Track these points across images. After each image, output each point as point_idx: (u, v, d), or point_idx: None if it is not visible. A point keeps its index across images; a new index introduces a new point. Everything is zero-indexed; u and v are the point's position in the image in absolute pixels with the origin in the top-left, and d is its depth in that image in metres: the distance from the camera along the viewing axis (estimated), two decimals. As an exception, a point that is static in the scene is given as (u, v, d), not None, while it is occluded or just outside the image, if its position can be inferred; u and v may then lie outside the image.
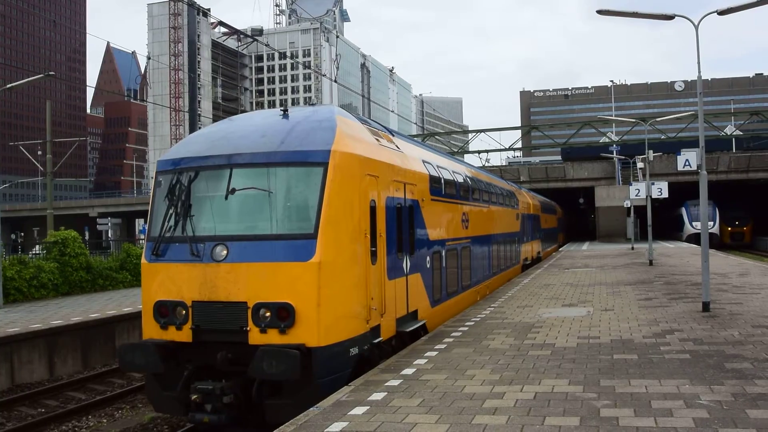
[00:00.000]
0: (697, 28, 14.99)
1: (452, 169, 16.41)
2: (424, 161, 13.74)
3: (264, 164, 9.50)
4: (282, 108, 10.92)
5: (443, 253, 14.39)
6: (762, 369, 8.84)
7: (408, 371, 9.50)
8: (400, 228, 11.42)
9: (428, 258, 13.14)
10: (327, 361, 8.88)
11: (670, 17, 15.42)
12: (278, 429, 7.12)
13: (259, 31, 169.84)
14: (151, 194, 10.38)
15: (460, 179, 16.86)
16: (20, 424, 12.16)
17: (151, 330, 9.59)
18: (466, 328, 13.02)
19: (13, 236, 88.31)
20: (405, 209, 11.80)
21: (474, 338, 11.94)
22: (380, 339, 10.37)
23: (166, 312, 9.47)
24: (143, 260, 9.99)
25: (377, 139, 11.41)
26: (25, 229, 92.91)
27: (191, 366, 9.34)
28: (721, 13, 14.74)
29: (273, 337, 8.76)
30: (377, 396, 8.22)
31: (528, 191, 36.26)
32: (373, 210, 10.22)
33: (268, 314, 8.84)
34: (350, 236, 9.54)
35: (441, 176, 14.57)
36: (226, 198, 9.53)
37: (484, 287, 19.23)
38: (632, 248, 42.40)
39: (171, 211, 9.76)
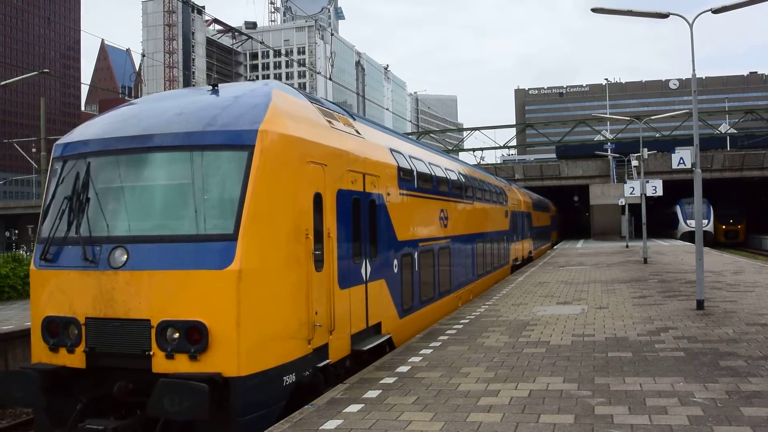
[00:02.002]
0: (691, 26, 15.02)
1: (429, 161, 14.88)
2: (392, 150, 12.12)
3: (175, 147, 7.86)
4: (213, 83, 9.33)
5: (416, 256, 12.89)
6: (756, 367, 8.87)
7: (403, 369, 9.49)
8: (357, 227, 9.92)
9: (396, 261, 11.62)
10: (251, 393, 7.27)
11: (665, 15, 15.44)
12: (272, 426, 7.11)
13: (253, 24, 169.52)
14: (45, 185, 8.85)
15: (439, 173, 15.29)
16: None
17: (39, 352, 7.91)
18: (461, 326, 13.02)
19: (7, 234, 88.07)
20: (364, 205, 10.26)
21: (469, 336, 11.94)
22: (328, 361, 8.75)
23: (56, 330, 7.77)
24: (31, 266, 8.28)
25: (329, 121, 9.69)
26: (19, 226, 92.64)
27: (85, 398, 7.62)
28: (716, 11, 14.77)
29: (182, 364, 7.15)
30: (372, 394, 8.20)
31: (519, 188, 35.05)
32: (318, 205, 8.61)
33: (176, 335, 7.21)
34: (284, 237, 7.93)
35: (413, 168, 12.98)
36: (128, 190, 7.94)
37: (466, 292, 17.75)
38: (627, 246, 42.48)
39: (65, 207, 8.09)
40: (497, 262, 23.12)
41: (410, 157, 13.17)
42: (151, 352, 7.25)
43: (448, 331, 12.47)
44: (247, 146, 7.69)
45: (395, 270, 11.58)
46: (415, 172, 13.01)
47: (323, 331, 8.64)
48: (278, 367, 7.64)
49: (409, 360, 10.07)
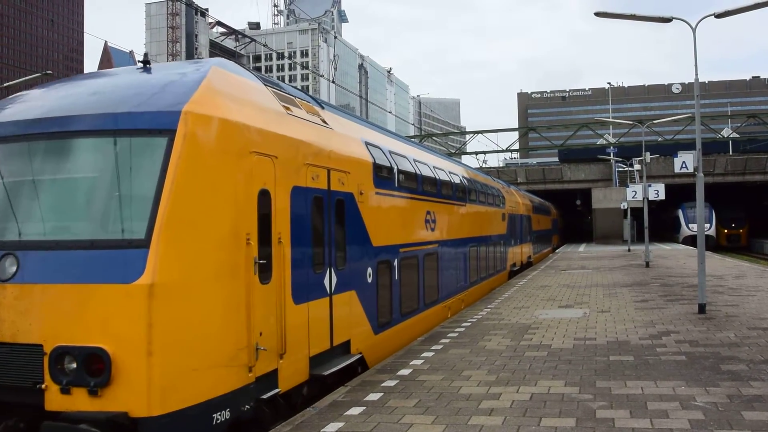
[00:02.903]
0: (694, 30, 15.04)
1: (414, 158, 13.51)
2: (368, 144, 10.76)
3: (79, 133, 6.53)
4: (144, 59, 7.87)
5: (396, 263, 11.49)
6: (757, 371, 8.87)
7: (404, 372, 9.50)
8: (319, 230, 8.61)
9: (370, 270, 10.26)
10: None
11: (668, 20, 15.46)
12: (274, 428, 7.12)
13: (256, 24, 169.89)
14: None
15: (426, 171, 13.93)
16: None
17: None
18: (462, 329, 13.02)
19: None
20: (329, 205, 8.88)
21: (470, 339, 11.94)
22: (276, 391, 7.32)
23: None
24: None
25: (286, 107, 8.37)
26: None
27: None
28: (719, 16, 14.78)
29: (80, 401, 5.78)
30: (373, 396, 8.21)
31: (518, 190, 33.72)
32: (265, 204, 7.27)
33: (73, 364, 5.82)
34: (215, 242, 6.50)
35: (394, 165, 11.65)
36: (22, 185, 6.62)
37: (457, 301, 16.28)
38: (629, 250, 42.43)
39: None
40: (493, 267, 21.68)
41: (391, 152, 11.87)
42: (44, 386, 5.87)
43: (450, 334, 12.47)
44: (166, 131, 6.29)
45: (369, 279, 10.22)
46: (395, 170, 11.70)
47: (270, 355, 7.19)
48: (205, 403, 6.21)
49: (411, 363, 10.08)
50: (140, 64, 7.75)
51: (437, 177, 14.81)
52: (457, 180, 16.99)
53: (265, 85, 8.40)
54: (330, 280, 8.86)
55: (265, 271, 7.16)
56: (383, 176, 11.05)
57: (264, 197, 7.25)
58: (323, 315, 8.65)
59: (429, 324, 13.54)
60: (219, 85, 7.11)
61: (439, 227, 14.59)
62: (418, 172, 13.26)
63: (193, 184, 6.33)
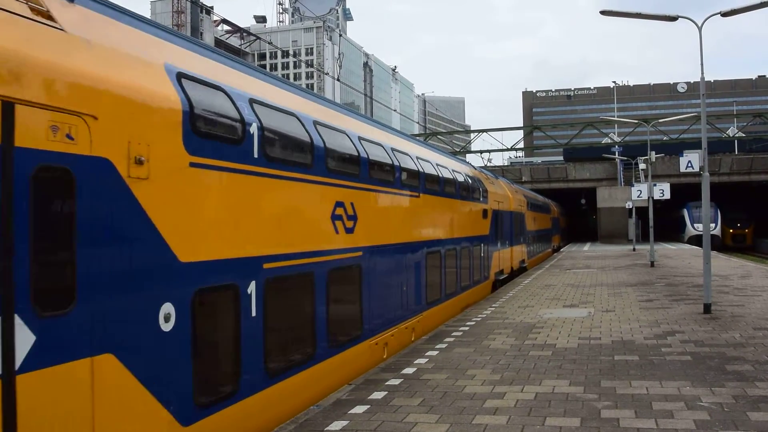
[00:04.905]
0: (700, 29, 15.00)
1: (314, 119, 9.04)
2: (181, 75, 6.27)
3: None
4: None
5: (253, 289, 7.03)
6: (763, 371, 8.84)
7: (408, 370, 9.50)
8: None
9: (169, 309, 5.78)
10: None
11: (674, 18, 15.43)
12: (278, 427, 7.12)
13: (262, 18, 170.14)
14: None
15: (336, 140, 9.49)
16: None
17: None
18: (467, 328, 13.02)
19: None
20: (14, 179, 4.41)
21: (475, 338, 11.94)
22: None
23: None
24: None
25: None
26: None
27: None
28: (725, 14, 14.76)
29: None
30: (377, 395, 8.21)
31: (510, 183, 29.49)
32: None
33: None
34: None
35: (245, 118, 7.06)
36: None
37: (402, 331, 11.84)
38: (634, 249, 42.39)
39: None
40: (468, 279, 17.37)
41: (246, 98, 7.34)
42: None
43: (454, 333, 12.47)
44: None
45: (167, 325, 5.75)
46: (253, 128, 7.13)
47: None
48: None
49: (415, 362, 10.08)
50: None
51: (362, 152, 10.32)
52: (405, 160, 12.54)
53: None
54: (25, 342, 4.38)
55: None
56: (217, 136, 6.60)
57: None
58: None
59: (329, 383, 8.70)
60: None
61: (364, 226, 10.09)
62: (311, 138, 8.58)
63: None
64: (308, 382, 8.15)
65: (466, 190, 17.41)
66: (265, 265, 7.31)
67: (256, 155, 7.22)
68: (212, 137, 6.53)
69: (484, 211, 19.64)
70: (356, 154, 10.13)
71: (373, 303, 10.57)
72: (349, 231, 9.68)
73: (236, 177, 6.87)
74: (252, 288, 7.06)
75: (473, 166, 22.39)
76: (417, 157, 13.55)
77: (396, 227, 11.90)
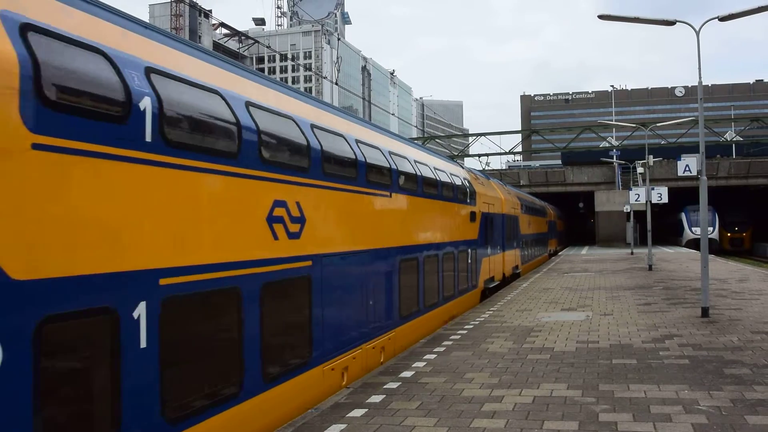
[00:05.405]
0: (698, 33, 15.03)
1: (247, 99, 7.38)
2: (27, 27, 4.60)
3: None
4: None
5: (137, 316, 5.37)
6: (761, 375, 8.84)
7: (407, 374, 9.49)
8: None
9: None
10: None
11: (672, 23, 15.45)
12: (276, 430, 7.11)
13: (261, 20, 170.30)
14: None
15: (278, 126, 8.03)
16: None
17: None
18: (465, 332, 13.01)
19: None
20: None
21: (473, 342, 11.93)
22: None
23: None
24: None
25: None
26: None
27: None
28: (722, 19, 14.79)
29: None
30: (376, 398, 8.21)
31: (501, 184, 27.90)
32: None
33: None
34: None
35: (133, 87, 5.43)
36: None
37: (369, 351, 10.37)
38: (632, 253, 42.40)
39: None
40: (452, 288, 15.88)
41: (138, 64, 5.67)
42: None
43: (452, 337, 12.47)
44: None
45: None
46: (145, 102, 5.52)
47: None
48: None
49: (413, 365, 10.07)
50: None
51: (317, 141, 8.80)
52: (372, 154, 11.02)
53: None
54: None
55: None
56: (84, 109, 4.95)
57: None
58: None
59: (272, 422, 7.33)
60: None
61: (315, 231, 8.58)
62: (241, 119, 7.04)
63: None
64: (232, 426, 6.44)
65: (449, 190, 15.87)
66: (163, 281, 5.66)
67: (149, 138, 5.53)
68: (74, 111, 4.85)
69: (472, 214, 18.13)
70: (305, 143, 8.46)
71: (328, 321, 8.86)
72: (294, 236, 8.00)
73: (118, 166, 5.20)
74: (140, 311, 5.37)
75: (461, 165, 20.98)
76: (389, 152, 12.01)
77: (360, 231, 10.28)
